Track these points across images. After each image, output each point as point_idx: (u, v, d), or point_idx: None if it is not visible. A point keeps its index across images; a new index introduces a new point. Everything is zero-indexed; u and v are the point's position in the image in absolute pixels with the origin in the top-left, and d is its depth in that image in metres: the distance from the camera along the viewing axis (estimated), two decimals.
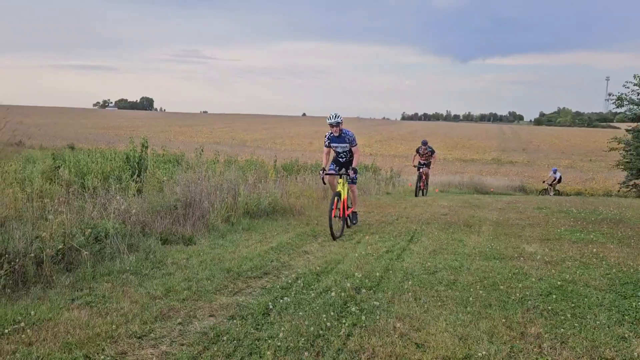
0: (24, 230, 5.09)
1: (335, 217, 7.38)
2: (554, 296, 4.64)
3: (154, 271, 5.24)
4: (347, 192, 8.00)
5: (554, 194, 23.67)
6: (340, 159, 8.28)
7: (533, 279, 5.20)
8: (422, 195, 15.99)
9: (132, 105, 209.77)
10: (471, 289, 4.83)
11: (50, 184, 8.57)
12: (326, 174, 7.87)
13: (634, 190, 24.38)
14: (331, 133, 7.97)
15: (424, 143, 16.18)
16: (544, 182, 25.61)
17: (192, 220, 7.13)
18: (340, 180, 7.83)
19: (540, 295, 4.70)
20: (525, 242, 7.18)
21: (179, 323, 3.94)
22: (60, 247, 4.99)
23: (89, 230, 5.58)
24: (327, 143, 8.15)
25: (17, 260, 4.66)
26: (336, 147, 8.12)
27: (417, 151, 16.30)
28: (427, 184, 16.57)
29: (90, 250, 5.31)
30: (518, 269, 5.62)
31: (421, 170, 15.92)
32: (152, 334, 3.71)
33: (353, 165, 7.94)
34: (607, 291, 4.87)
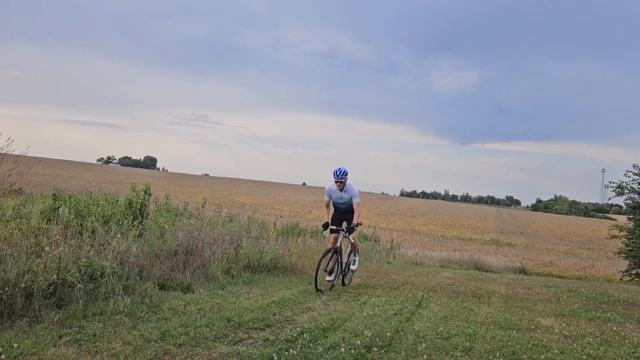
0: (17, 260, 4.81)
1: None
2: None
3: (149, 315, 4.89)
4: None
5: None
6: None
7: (555, 351, 4.84)
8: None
9: (136, 163, 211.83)
10: (490, 357, 4.48)
11: (48, 223, 8.31)
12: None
13: (637, 279, 23.90)
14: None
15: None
16: None
17: (192, 268, 6.81)
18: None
19: None
20: (539, 316, 6.83)
21: None
22: (53, 279, 4.68)
23: (85, 267, 5.28)
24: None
25: (6, 290, 4.34)
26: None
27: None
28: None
29: (84, 287, 4.99)
30: (537, 340, 5.26)
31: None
32: None
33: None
34: None
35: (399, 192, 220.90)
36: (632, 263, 24.85)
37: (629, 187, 26.84)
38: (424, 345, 4.66)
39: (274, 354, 3.99)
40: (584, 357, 4.73)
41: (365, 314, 5.87)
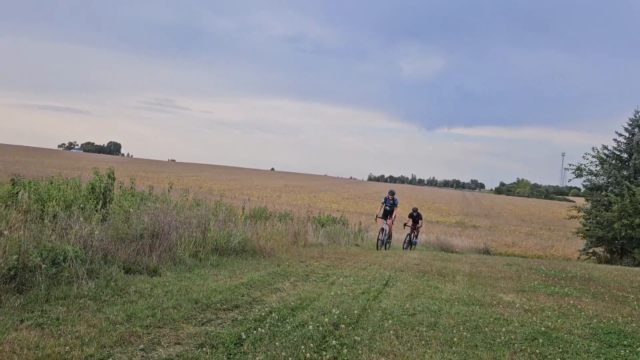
0: None
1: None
2: (540, 341, 4.46)
3: (114, 298, 4.82)
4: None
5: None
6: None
7: (516, 324, 5.02)
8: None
9: (99, 149, 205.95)
10: (454, 331, 4.61)
11: (7, 209, 8.03)
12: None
13: (593, 257, 24.92)
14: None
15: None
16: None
17: (158, 252, 6.72)
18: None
19: (526, 339, 4.51)
20: (501, 292, 7.05)
21: (142, 349, 3.56)
22: (14, 263, 4.54)
23: (47, 250, 5.15)
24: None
25: None
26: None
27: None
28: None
29: (46, 272, 4.86)
30: (499, 314, 5.44)
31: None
32: (110, 358, 3.32)
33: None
34: (591, 339, 4.72)
35: (367, 177, 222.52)
36: (589, 242, 25.92)
37: (587, 170, 27.73)
38: (390, 321, 4.76)
39: (242, 333, 4.00)
40: (543, 328, 4.92)
41: (333, 293, 5.94)
